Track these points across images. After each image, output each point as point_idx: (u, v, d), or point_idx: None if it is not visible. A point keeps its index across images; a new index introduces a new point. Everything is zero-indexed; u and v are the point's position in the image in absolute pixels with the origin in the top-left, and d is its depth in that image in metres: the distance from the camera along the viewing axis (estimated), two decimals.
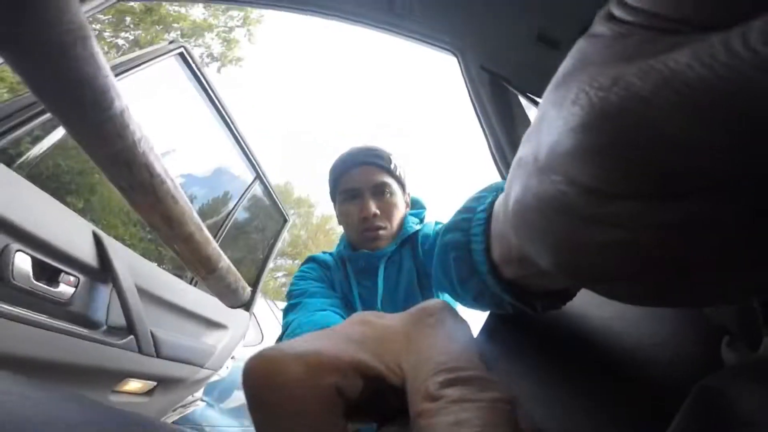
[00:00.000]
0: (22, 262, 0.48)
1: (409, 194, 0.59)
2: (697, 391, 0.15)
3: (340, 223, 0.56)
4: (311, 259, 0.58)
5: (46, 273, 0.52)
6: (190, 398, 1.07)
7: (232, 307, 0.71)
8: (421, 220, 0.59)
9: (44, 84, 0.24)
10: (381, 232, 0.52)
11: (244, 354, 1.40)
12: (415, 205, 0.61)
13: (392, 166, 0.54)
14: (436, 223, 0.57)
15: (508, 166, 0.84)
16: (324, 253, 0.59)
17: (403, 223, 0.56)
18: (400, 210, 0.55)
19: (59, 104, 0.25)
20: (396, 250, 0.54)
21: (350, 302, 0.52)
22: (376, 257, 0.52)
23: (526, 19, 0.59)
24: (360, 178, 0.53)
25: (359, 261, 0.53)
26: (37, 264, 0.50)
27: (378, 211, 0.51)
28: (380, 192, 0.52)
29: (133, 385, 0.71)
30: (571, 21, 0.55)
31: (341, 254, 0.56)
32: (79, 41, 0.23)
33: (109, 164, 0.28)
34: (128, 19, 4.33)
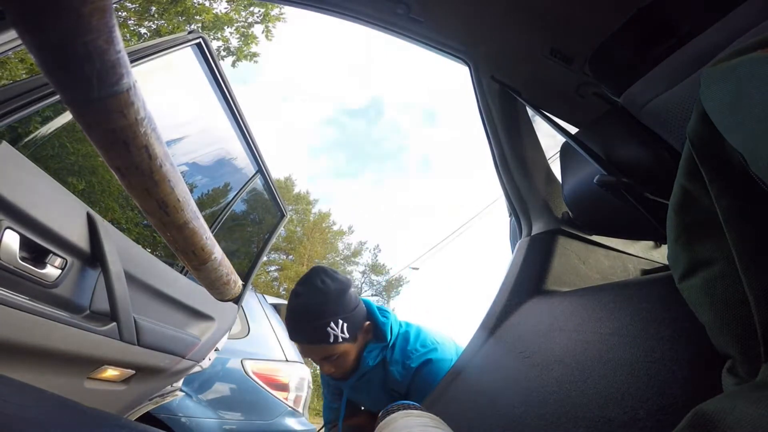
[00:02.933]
0: (11, 240, 0.47)
1: (364, 327, 0.70)
2: (693, 417, 0.15)
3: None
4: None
5: (33, 253, 0.51)
6: (169, 388, 1.04)
7: (222, 299, 0.69)
8: (383, 348, 0.71)
9: (51, 52, 0.23)
10: (337, 376, 0.71)
11: (228, 346, 1.38)
12: (377, 332, 0.72)
13: (328, 338, 0.64)
14: (408, 360, 0.69)
15: (510, 176, 0.84)
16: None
17: (358, 358, 0.69)
18: (351, 354, 0.68)
19: (64, 74, 0.24)
20: (360, 379, 0.71)
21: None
22: (342, 386, 0.74)
23: (540, 33, 0.60)
24: (307, 355, 0.71)
25: (338, 385, 0.77)
26: (25, 243, 0.49)
27: (333, 369, 0.68)
28: (326, 360, 0.67)
29: (110, 372, 0.69)
30: (585, 38, 0.55)
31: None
32: (96, 12, 0.22)
33: (107, 142, 0.27)
34: (153, 8, 4.43)
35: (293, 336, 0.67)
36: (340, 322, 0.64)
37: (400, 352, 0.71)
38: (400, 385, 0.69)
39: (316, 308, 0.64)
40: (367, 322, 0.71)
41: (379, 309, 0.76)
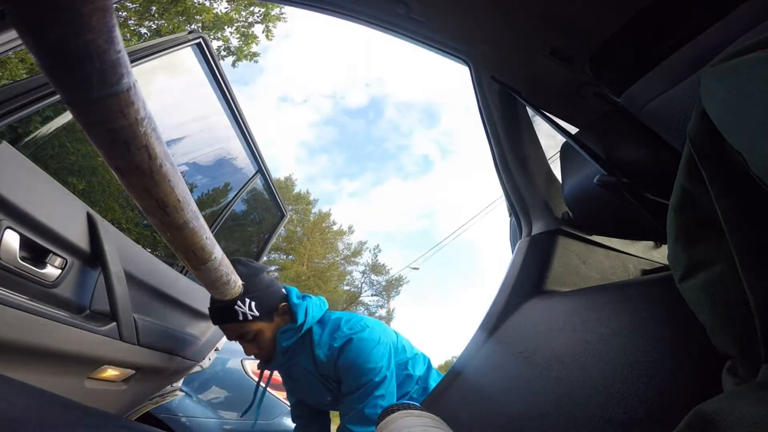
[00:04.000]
0: (11, 239, 0.47)
1: (279, 308, 0.75)
2: (693, 417, 0.15)
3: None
4: None
5: (33, 253, 0.51)
6: (169, 388, 1.04)
7: (222, 299, 0.69)
8: (297, 329, 0.75)
9: (51, 51, 0.23)
10: (261, 357, 0.76)
11: (228, 346, 1.38)
12: (291, 315, 0.76)
13: (238, 316, 0.69)
14: (331, 347, 0.74)
15: (510, 175, 0.84)
16: None
17: (274, 340, 0.74)
18: (266, 333, 0.73)
19: (64, 73, 0.24)
20: (288, 364, 0.77)
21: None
22: (277, 370, 0.81)
23: (540, 33, 0.60)
24: (228, 337, 0.74)
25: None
26: (25, 243, 0.49)
27: (253, 349, 0.73)
28: (243, 339, 0.73)
29: (111, 372, 0.69)
30: (585, 38, 0.55)
31: None
32: (96, 12, 0.22)
33: (107, 142, 0.27)
34: (154, 8, 4.43)
35: (212, 320, 0.72)
36: (248, 300, 0.69)
37: (328, 335, 0.74)
38: (327, 367, 0.73)
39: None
40: (283, 303, 0.75)
41: (303, 295, 0.80)
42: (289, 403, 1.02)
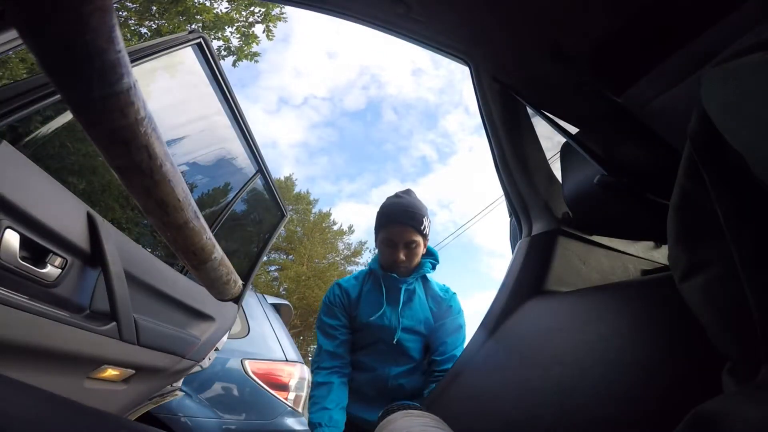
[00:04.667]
0: (11, 239, 0.47)
1: (427, 240, 0.85)
2: (693, 417, 0.15)
3: (378, 248, 0.86)
4: (337, 286, 0.87)
5: (33, 252, 0.51)
6: (169, 388, 1.04)
7: (222, 299, 0.69)
8: (434, 266, 0.87)
9: (52, 51, 0.23)
10: (403, 268, 0.83)
11: (228, 346, 1.38)
12: (432, 256, 0.88)
13: (422, 228, 0.80)
14: (446, 292, 0.87)
15: (511, 177, 0.84)
16: (350, 277, 0.89)
17: (420, 263, 0.84)
18: (419, 256, 0.83)
19: (64, 74, 0.24)
20: (412, 284, 0.84)
21: (380, 302, 0.82)
22: (400, 282, 0.83)
23: (540, 33, 0.60)
24: (397, 235, 0.80)
25: (389, 280, 0.84)
26: (25, 242, 0.49)
27: (404, 258, 0.81)
28: (409, 246, 0.80)
29: (110, 372, 0.69)
30: (585, 38, 0.55)
31: (373, 268, 0.86)
32: (96, 12, 0.22)
33: (107, 142, 0.27)
34: (154, 8, 4.43)
35: (399, 218, 0.79)
36: (427, 220, 0.82)
37: (437, 283, 0.88)
38: (439, 303, 0.84)
39: (418, 204, 0.83)
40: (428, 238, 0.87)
41: None
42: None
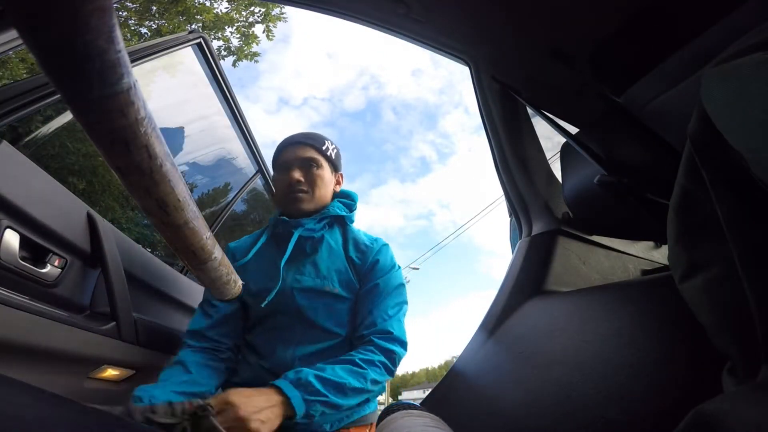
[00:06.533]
0: (11, 239, 0.47)
1: (341, 176, 0.67)
2: (693, 417, 0.15)
3: (275, 196, 0.65)
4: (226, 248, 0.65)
5: (33, 252, 0.51)
6: None
7: (222, 299, 0.69)
8: (350, 210, 0.64)
9: (52, 51, 0.23)
10: (302, 195, 0.60)
11: None
12: (347, 197, 0.67)
13: (324, 147, 0.62)
14: (375, 242, 0.62)
15: (511, 177, 0.84)
16: (248, 236, 0.68)
17: (327, 200, 0.63)
18: (326, 183, 0.62)
19: (64, 74, 0.24)
20: (318, 229, 0.60)
21: (272, 259, 0.59)
22: (293, 226, 0.59)
23: (540, 33, 0.60)
24: (291, 155, 0.61)
25: (278, 226, 0.60)
26: (25, 242, 0.49)
27: (302, 179, 0.60)
28: (306, 165, 0.61)
29: (111, 372, 0.69)
30: (585, 38, 0.55)
31: (271, 221, 0.64)
32: (96, 12, 0.22)
33: (107, 142, 0.27)
34: (154, 8, 4.43)
35: (294, 137, 0.63)
36: (331, 144, 0.64)
37: (363, 233, 0.65)
38: (364, 254, 0.59)
39: (316, 132, 0.66)
40: (342, 176, 0.68)
41: None
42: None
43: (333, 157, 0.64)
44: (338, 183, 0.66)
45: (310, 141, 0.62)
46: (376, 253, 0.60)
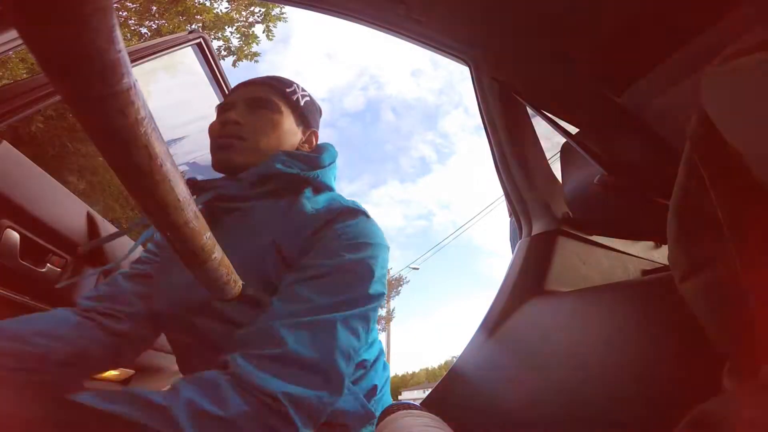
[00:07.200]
0: (11, 239, 0.47)
1: (314, 135, 0.47)
2: (693, 417, 0.15)
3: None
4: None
5: (33, 252, 0.51)
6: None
7: (222, 299, 0.69)
8: (314, 170, 0.41)
9: (51, 51, 0.23)
10: (235, 141, 0.40)
11: None
12: (321, 151, 0.45)
13: (288, 90, 0.44)
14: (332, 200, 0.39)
15: (511, 177, 0.84)
16: None
17: (274, 149, 0.41)
18: (279, 132, 0.42)
19: (64, 74, 0.24)
20: (247, 192, 0.38)
21: None
22: (225, 173, 0.38)
23: (540, 33, 0.60)
24: (237, 93, 0.43)
25: (194, 188, 0.38)
26: (25, 242, 0.49)
27: (240, 120, 0.40)
28: (254, 105, 0.42)
29: (111, 372, 0.69)
30: (585, 38, 0.55)
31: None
32: (96, 12, 0.22)
33: (107, 142, 0.27)
34: (154, 8, 4.43)
35: (261, 78, 0.45)
36: (299, 87, 0.46)
37: (327, 198, 0.42)
38: (306, 223, 0.37)
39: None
40: (315, 133, 0.48)
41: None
42: None
43: (301, 105, 0.45)
44: (307, 143, 0.46)
45: (270, 80, 0.44)
46: (331, 213, 0.39)
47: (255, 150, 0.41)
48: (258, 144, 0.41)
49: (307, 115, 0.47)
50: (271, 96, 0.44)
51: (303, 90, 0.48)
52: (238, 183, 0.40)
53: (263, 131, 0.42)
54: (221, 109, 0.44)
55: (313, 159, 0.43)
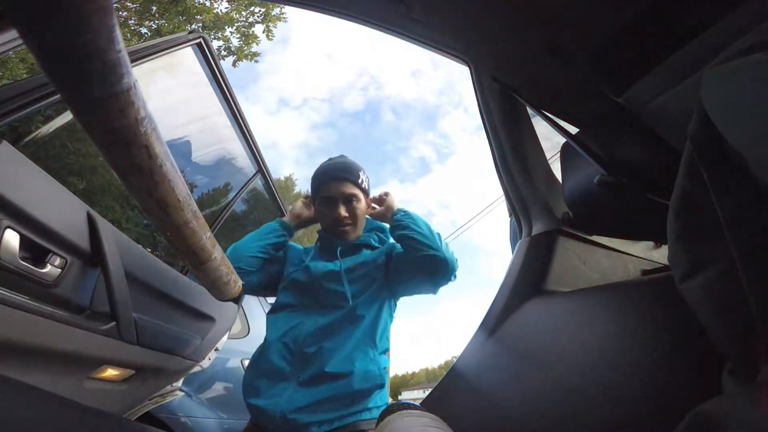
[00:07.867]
0: (11, 239, 0.47)
1: (368, 200, 0.79)
2: (693, 417, 0.15)
3: (319, 215, 0.77)
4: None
5: (33, 252, 0.51)
6: (169, 388, 1.04)
7: (222, 299, 0.69)
8: (381, 240, 0.79)
9: (52, 51, 0.23)
10: (347, 228, 0.75)
11: (228, 346, 1.38)
12: (382, 231, 0.82)
13: (359, 181, 0.75)
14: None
15: (511, 177, 0.84)
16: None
17: (364, 222, 0.78)
18: (363, 212, 0.77)
19: (65, 74, 0.24)
20: (355, 246, 0.76)
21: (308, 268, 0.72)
22: (336, 243, 0.75)
23: (540, 33, 0.60)
24: (335, 190, 0.74)
25: (324, 239, 0.77)
26: (25, 242, 0.49)
27: (347, 215, 0.74)
28: (349, 201, 0.74)
29: (111, 372, 0.69)
30: (585, 38, 0.55)
31: (320, 234, 0.79)
32: (96, 12, 0.22)
33: (107, 142, 0.27)
34: (154, 8, 4.43)
35: (334, 172, 0.75)
36: (364, 174, 0.77)
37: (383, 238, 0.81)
38: (382, 249, 0.76)
39: (352, 161, 0.78)
40: (370, 198, 0.81)
41: None
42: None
43: (367, 188, 0.77)
44: (368, 205, 0.80)
45: (351, 177, 0.74)
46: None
47: (357, 229, 0.76)
48: (358, 225, 0.76)
49: (368, 190, 0.79)
50: (356, 191, 0.75)
51: (364, 173, 0.78)
52: (353, 246, 0.77)
53: (358, 216, 0.75)
54: (328, 202, 0.74)
55: (382, 238, 0.80)
